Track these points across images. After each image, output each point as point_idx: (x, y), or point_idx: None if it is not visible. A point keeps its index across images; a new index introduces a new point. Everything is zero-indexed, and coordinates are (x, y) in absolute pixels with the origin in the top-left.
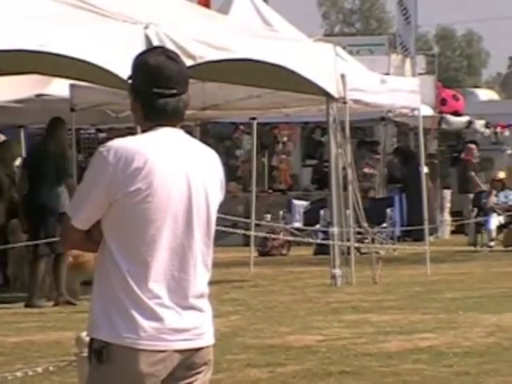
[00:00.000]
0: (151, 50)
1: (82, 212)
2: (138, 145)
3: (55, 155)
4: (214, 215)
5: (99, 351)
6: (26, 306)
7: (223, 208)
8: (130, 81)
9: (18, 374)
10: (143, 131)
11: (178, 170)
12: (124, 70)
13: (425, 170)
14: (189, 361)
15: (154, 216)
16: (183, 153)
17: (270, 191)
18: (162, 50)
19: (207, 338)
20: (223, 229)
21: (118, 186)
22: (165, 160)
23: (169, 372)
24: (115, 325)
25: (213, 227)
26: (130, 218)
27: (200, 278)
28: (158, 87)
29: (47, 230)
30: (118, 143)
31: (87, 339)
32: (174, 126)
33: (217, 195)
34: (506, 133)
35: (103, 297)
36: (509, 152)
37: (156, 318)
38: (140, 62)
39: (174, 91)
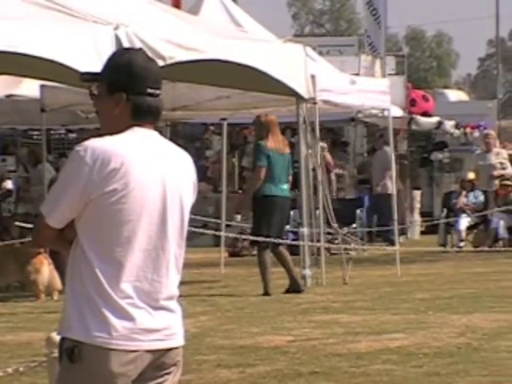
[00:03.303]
0: (130, 50)
1: (57, 210)
2: (115, 146)
3: None
4: (187, 217)
5: (71, 350)
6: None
7: (193, 208)
8: (102, 79)
9: None
10: (117, 132)
11: (153, 172)
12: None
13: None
14: (159, 361)
15: (129, 217)
16: (159, 155)
17: (241, 192)
18: (140, 50)
19: (177, 339)
20: (193, 229)
21: (93, 186)
22: (141, 162)
23: (139, 374)
24: (87, 324)
25: (186, 229)
26: (105, 218)
27: (172, 279)
28: (150, 87)
29: None
30: (95, 143)
31: (58, 339)
32: (153, 125)
33: (190, 197)
34: (476, 133)
35: (75, 296)
36: (478, 152)
37: (128, 317)
38: (125, 62)
39: (158, 91)
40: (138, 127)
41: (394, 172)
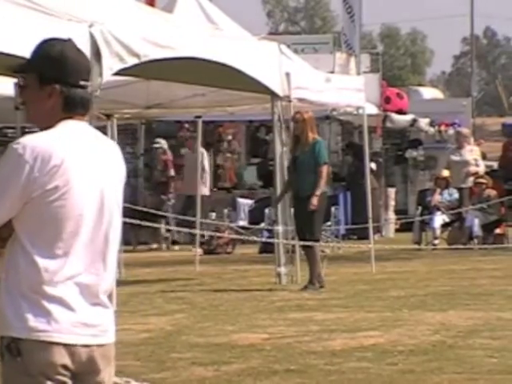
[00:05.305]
0: (60, 40)
1: None
2: (54, 142)
3: None
4: (121, 211)
5: (11, 346)
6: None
7: (168, 206)
8: (32, 68)
9: None
10: (48, 125)
11: (91, 167)
12: None
13: (372, 165)
14: (93, 360)
15: (71, 213)
16: (94, 148)
17: (215, 189)
18: (70, 40)
19: (110, 336)
20: (168, 227)
21: (35, 184)
22: (79, 157)
23: (75, 371)
24: (27, 319)
25: (120, 222)
26: (48, 215)
27: (110, 274)
28: (82, 79)
29: None
30: (33, 141)
31: None
32: (84, 117)
33: (121, 190)
34: (450, 131)
35: (12, 293)
36: (452, 149)
37: (68, 311)
38: (58, 54)
39: (89, 83)
40: (70, 120)
41: (368, 169)
